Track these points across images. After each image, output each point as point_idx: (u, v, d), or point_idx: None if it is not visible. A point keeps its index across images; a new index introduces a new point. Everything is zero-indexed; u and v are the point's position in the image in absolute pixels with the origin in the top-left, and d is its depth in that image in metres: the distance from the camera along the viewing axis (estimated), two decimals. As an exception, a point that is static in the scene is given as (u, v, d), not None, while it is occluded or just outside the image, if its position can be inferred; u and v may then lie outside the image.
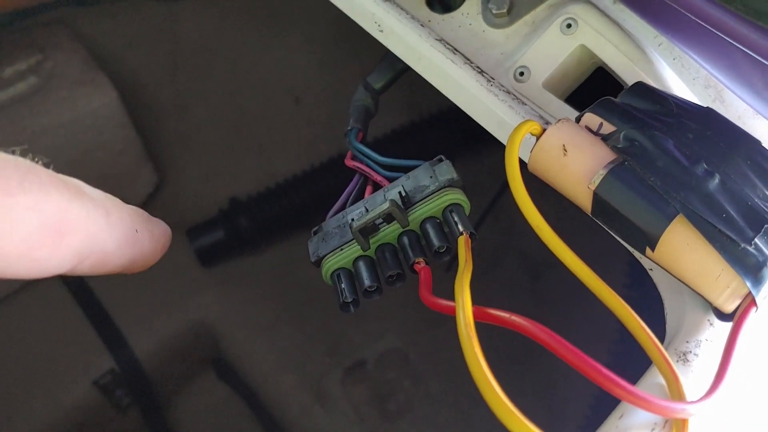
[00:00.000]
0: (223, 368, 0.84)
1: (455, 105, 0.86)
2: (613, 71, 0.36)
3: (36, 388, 0.74)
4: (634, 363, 0.28)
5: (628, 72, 0.35)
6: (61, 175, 0.21)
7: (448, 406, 0.80)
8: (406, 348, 0.82)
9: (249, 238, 0.83)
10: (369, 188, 0.35)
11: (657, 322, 0.29)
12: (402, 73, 0.43)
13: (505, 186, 0.79)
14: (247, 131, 0.88)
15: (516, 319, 0.24)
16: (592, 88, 0.39)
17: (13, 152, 0.20)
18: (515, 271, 0.82)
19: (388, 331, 0.83)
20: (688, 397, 0.23)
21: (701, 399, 0.22)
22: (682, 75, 0.36)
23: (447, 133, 0.84)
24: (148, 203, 0.84)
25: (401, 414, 0.80)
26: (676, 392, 0.23)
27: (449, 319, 0.79)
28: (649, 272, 0.30)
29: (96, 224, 0.22)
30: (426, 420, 0.79)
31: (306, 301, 0.84)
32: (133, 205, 0.77)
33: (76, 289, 0.80)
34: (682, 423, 0.22)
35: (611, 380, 0.21)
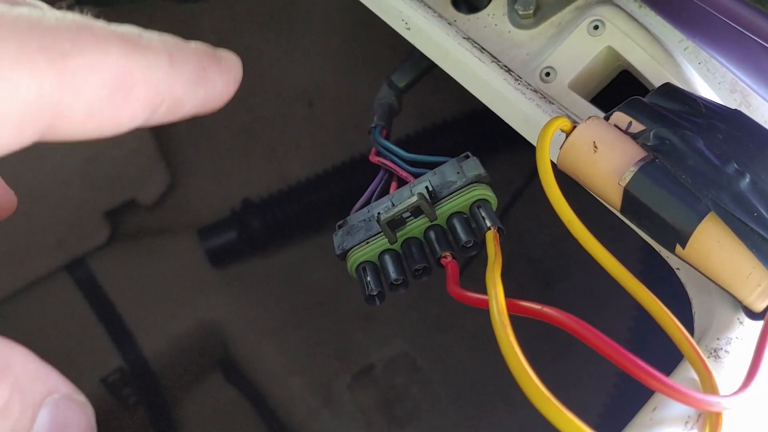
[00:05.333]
0: (231, 369, 0.84)
1: (464, 115, 0.86)
2: (640, 73, 0.36)
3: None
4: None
5: (655, 74, 0.36)
6: (114, 25, 0.20)
7: (455, 412, 0.80)
8: (415, 353, 0.82)
9: (260, 240, 0.83)
10: (394, 184, 0.36)
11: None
12: (425, 72, 0.43)
13: (514, 195, 0.79)
14: (261, 133, 0.89)
15: (548, 310, 0.24)
16: (616, 92, 0.40)
17: (60, 8, 0.19)
18: (525, 279, 0.82)
19: (396, 336, 0.83)
20: (721, 393, 0.23)
21: (735, 393, 0.22)
22: (707, 79, 0.36)
23: (457, 143, 0.84)
24: (161, 203, 0.84)
25: (409, 420, 0.79)
26: (709, 387, 0.23)
27: (457, 325, 0.78)
28: (676, 271, 0.30)
29: (160, 71, 0.21)
30: (433, 426, 0.79)
31: (315, 305, 0.84)
32: (146, 205, 0.76)
33: (86, 286, 0.80)
34: (716, 417, 0.22)
35: (646, 372, 0.21)
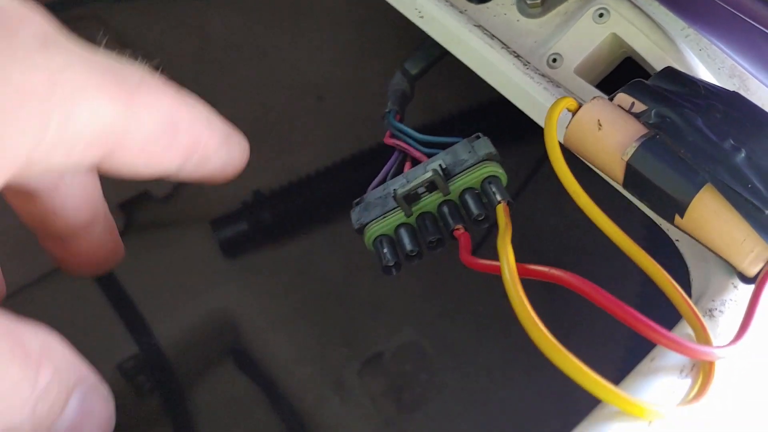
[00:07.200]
0: (243, 357, 0.85)
1: (472, 107, 0.88)
2: (643, 59, 0.38)
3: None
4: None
5: (658, 60, 0.37)
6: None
7: (463, 399, 0.81)
8: (424, 341, 0.84)
9: (271, 230, 0.85)
10: (408, 164, 0.37)
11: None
12: (437, 60, 0.45)
13: (521, 187, 0.81)
14: (271, 127, 0.90)
15: (555, 271, 0.26)
16: (620, 78, 0.41)
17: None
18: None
19: (405, 325, 0.85)
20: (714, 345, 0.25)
21: (727, 344, 0.24)
22: (708, 65, 0.38)
23: (463, 134, 0.86)
24: (174, 195, 0.86)
25: (417, 406, 0.81)
26: (703, 340, 0.25)
27: (464, 314, 0.80)
28: (676, 243, 0.32)
29: (201, 123, 0.24)
30: (441, 412, 0.80)
31: (325, 294, 0.86)
32: (159, 197, 0.79)
33: (102, 277, 0.82)
34: (709, 366, 0.24)
35: (647, 325, 0.23)
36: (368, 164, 0.86)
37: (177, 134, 0.22)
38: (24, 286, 0.77)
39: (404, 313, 0.85)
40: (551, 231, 0.85)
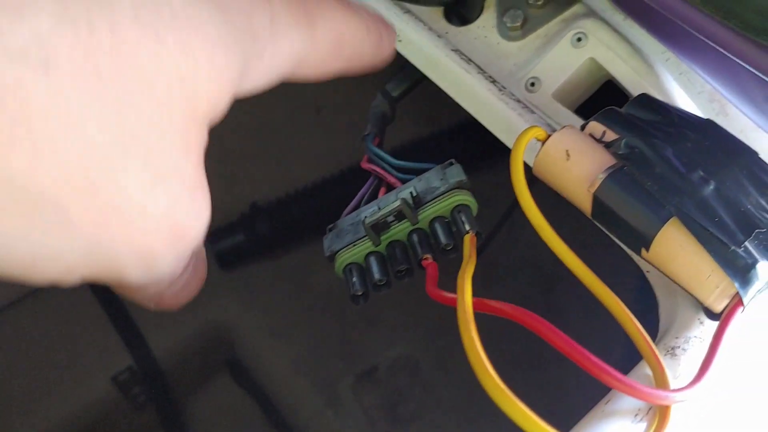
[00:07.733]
0: (238, 370, 0.85)
1: (471, 120, 0.87)
2: (621, 84, 0.38)
3: (56, 383, 0.76)
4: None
5: (635, 85, 0.37)
6: None
7: (457, 414, 0.81)
8: (418, 356, 0.83)
9: (268, 242, 0.85)
10: (383, 189, 0.37)
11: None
12: (418, 82, 0.45)
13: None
14: (269, 139, 0.90)
15: (511, 309, 0.25)
16: (605, 102, 0.41)
17: None
18: (528, 284, 0.82)
19: (400, 339, 0.84)
20: (672, 388, 0.24)
21: (684, 388, 0.24)
22: (687, 89, 0.38)
23: (463, 147, 0.85)
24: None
25: (411, 420, 0.80)
26: (661, 382, 0.24)
27: (458, 329, 0.80)
28: (646, 274, 0.32)
29: (361, 34, 0.26)
30: (435, 427, 0.80)
31: (321, 307, 0.86)
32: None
33: (99, 287, 0.82)
34: (665, 410, 0.24)
35: (600, 368, 0.23)
36: (366, 176, 0.85)
37: (343, 49, 0.25)
38: (22, 296, 0.77)
39: (399, 327, 0.84)
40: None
